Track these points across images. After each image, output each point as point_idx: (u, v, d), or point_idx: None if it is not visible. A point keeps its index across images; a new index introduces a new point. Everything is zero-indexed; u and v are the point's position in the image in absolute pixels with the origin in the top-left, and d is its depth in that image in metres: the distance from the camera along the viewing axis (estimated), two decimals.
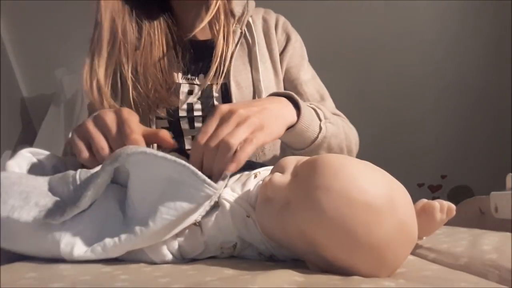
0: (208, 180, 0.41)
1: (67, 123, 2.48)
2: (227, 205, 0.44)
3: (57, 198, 0.44)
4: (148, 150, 0.41)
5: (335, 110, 0.86)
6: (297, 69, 0.87)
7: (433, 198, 0.48)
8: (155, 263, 0.42)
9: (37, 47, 2.47)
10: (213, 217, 0.44)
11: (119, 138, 0.53)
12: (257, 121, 0.51)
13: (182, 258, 0.44)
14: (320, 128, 0.66)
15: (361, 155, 0.87)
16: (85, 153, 0.54)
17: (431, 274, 0.39)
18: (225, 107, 0.52)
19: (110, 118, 0.54)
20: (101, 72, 0.72)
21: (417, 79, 2.52)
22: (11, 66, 2.50)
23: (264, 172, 0.50)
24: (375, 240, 0.36)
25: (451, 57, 2.46)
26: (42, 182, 0.47)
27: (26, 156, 0.53)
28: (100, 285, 0.32)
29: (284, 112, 0.59)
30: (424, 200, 0.50)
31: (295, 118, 0.61)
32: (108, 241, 0.39)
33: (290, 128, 0.61)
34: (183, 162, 0.41)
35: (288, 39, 0.88)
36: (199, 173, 0.40)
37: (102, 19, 0.74)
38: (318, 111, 0.69)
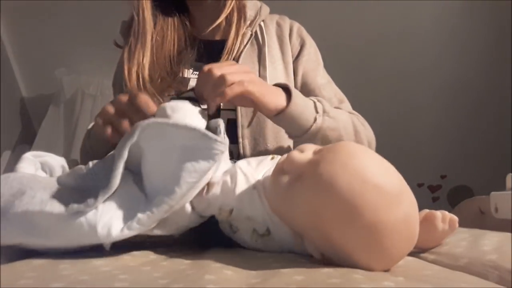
0: (218, 138, 0.44)
1: (66, 123, 2.49)
2: (239, 173, 0.48)
3: (80, 190, 0.45)
4: (160, 119, 0.45)
5: (353, 111, 0.87)
6: (314, 74, 0.89)
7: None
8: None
9: (37, 47, 2.47)
10: (221, 181, 0.48)
11: (131, 104, 0.58)
12: (256, 80, 0.62)
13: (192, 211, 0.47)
14: (315, 120, 0.69)
15: None
16: (108, 130, 0.59)
17: (431, 274, 0.39)
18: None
19: (122, 96, 0.61)
20: (146, 61, 0.78)
21: (417, 79, 2.52)
22: (11, 66, 2.50)
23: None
24: (378, 222, 0.37)
25: (450, 57, 2.46)
26: (53, 181, 0.48)
27: (31, 160, 0.54)
28: (99, 285, 0.32)
29: (278, 95, 0.67)
30: (426, 210, 0.51)
31: (285, 103, 0.66)
32: (141, 216, 0.41)
33: (281, 112, 0.66)
34: (193, 126, 0.44)
35: (303, 44, 0.90)
36: (209, 133, 0.43)
37: (144, 13, 0.80)
38: (318, 104, 0.72)
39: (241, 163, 0.51)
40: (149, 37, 0.79)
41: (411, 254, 0.47)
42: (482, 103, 2.52)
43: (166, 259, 0.43)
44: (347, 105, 0.89)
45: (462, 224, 0.60)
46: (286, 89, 0.68)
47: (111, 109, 0.60)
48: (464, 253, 0.47)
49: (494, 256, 0.43)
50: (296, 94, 0.67)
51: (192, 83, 0.81)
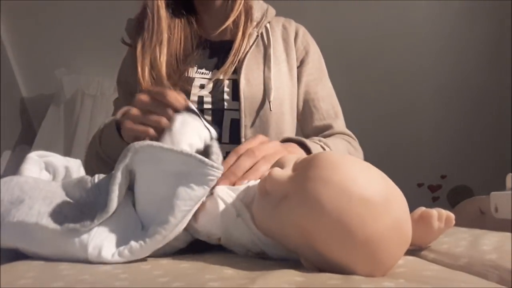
0: (214, 164, 0.42)
1: (67, 123, 2.49)
2: (220, 203, 0.46)
3: (80, 204, 0.45)
4: (155, 143, 0.43)
5: (345, 130, 0.89)
6: (316, 83, 0.90)
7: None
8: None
9: (37, 47, 2.47)
10: (204, 209, 0.46)
11: (157, 102, 0.56)
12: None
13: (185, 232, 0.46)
14: None
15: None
16: (149, 130, 0.57)
17: (431, 274, 0.39)
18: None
19: (142, 96, 0.59)
20: (163, 59, 0.79)
21: (417, 79, 2.52)
22: (11, 66, 2.50)
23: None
24: (369, 235, 0.36)
25: (450, 57, 2.46)
26: (56, 187, 0.48)
27: (36, 160, 0.54)
28: (99, 284, 0.32)
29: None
30: (422, 208, 0.50)
31: None
32: (134, 244, 0.40)
33: None
34: (189, 152, 0.43)
35: (307, 50, 0.91)
36: (206, 159, 0.42)
37: (160, 11, 0.81)
38: (326, 148, 0.74)
39: (220, 191, 0.48)
40: (165, 35, 0.80)
41: (411, 253, 0.47)
42: (482, 103, 2.52)
43: (166, 258, 0.43)
44: (341, 120, 0.91)
45: (462, 224, 0.60)
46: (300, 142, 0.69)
47: (136, 112, 0.59)
48: (464, 253, 0.46)
49: (494, 256, 0.43)
50: (314, 150, 0.68)
51: (197, 83, 0.82)
